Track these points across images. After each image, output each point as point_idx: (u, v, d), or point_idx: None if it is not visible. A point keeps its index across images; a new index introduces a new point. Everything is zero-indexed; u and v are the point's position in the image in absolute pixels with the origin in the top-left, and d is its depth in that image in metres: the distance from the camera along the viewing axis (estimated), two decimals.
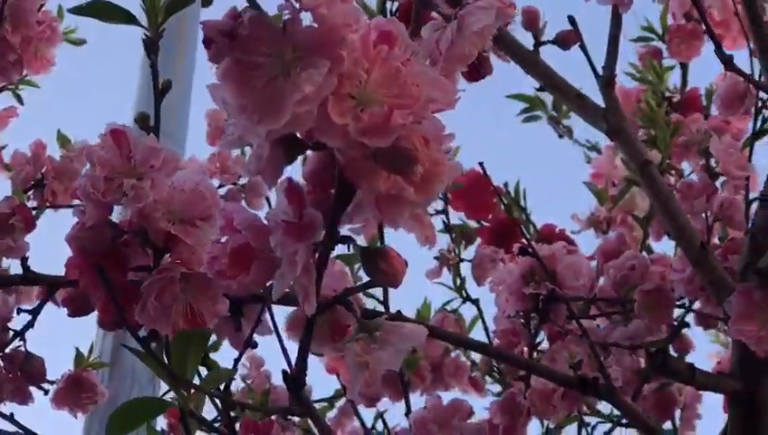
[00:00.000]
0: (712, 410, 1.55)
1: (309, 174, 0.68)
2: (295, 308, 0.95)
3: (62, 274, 0.88)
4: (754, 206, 1.29)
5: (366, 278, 0.70)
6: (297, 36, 0.61)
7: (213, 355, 1.14)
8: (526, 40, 1.26)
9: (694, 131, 1.66)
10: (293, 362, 0.74)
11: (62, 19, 1.66)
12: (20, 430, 1.20)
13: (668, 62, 1.98)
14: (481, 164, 1.28)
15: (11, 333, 1.18)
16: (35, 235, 1.16)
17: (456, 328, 1.64)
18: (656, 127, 1.61)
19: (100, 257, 0.83)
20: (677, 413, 1.55)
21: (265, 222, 0.68)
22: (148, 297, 0.82)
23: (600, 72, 1.25)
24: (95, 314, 0.85)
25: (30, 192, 1.68)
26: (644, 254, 1.46)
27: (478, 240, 1.77)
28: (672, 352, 1.40)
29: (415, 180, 0.63)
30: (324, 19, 0.60)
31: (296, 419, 1.57)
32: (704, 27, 1.80)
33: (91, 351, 1.40)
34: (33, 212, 1.30)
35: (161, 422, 1.58)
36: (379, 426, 1.74)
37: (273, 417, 1.31)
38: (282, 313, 0.97)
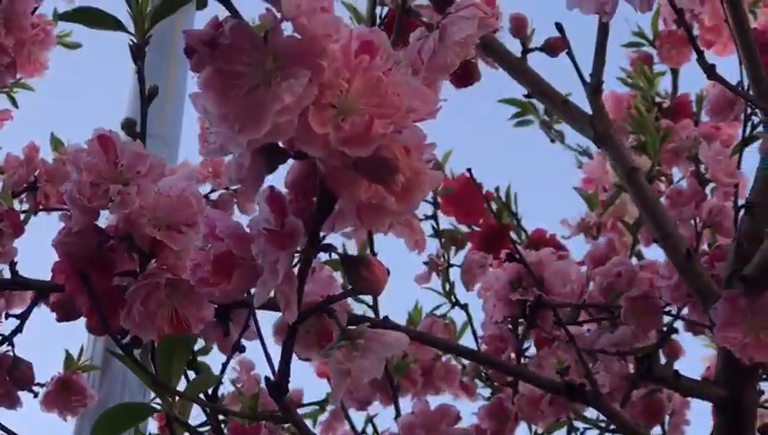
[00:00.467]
0: (701, 416, 1.55)
1: (291, 182, 0.68)
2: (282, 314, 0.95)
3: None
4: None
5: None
6: (278, 46, 0.61)
7: (204, 358, 1.14)
8: (514, 47, 1.27)
9: (683, 138, 1.66)
10: (276, 369, 0.74)
11: (57, 22, 1.66)
12: None
13: (660, 67, 1.99)
14: (469, 171, 1.28)
15: None
16: (28, 237, 1.16)
17: (445, 333, 1.64)
18: (645, 133, 1.62)
19: (86, 262, 0.84)
20: (666, 419, 1.55)
21: (248, 230, 0.69)
22: (134, 303, 0.82)
23: (588, 79, 1.26)
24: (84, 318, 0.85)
25: (23, 195, 1.68)
26: (633, 260, 1.47)
27: (468, 245, 1.77)
28: (661, 358, 1.41)
29: (396, 190, 0.63)
30: (305, 29, 0.61)
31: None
32: (692, 33, 1.82)
33: (81, 353, 1.41)
34: (26, 215, 1.30)
35: (152, 425, 1.58)
36: (369, 430, 1.74)
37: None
38: (271, 318, 0.98)
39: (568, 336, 1.21)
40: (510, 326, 1.31)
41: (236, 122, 0.61)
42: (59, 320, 0.90)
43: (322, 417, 1.91)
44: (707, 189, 1.54)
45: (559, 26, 1.21)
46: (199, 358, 1.13)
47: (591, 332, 1.32)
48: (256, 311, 0.90)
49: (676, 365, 1.35)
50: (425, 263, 1.72)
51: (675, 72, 1.97)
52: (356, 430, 1.77)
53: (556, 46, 1.23)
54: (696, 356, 1.89)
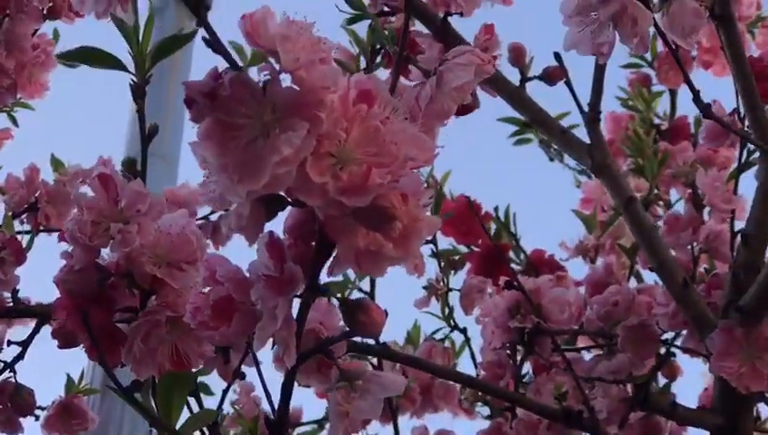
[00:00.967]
0: None
1: (290, 227, 0.69)
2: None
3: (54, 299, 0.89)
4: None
5: None
6: (277, 98, 0.62)
7: (204, 378, 1.15)
8: (513, 75, 1.27)
9: (680, 163, 1.67)
10: (276, 406, 0.75)
11: (58, 41, 1.67)
12: None
13: (659, 86, 2.00)
14: (467, 197, 1.29)
15: (0, 364, 1.19)
16: (29, 257, 1.17)
17: (443, 357, 1.65)
18: (643, 157, 1.63)
19: (86, 300, 0.84)
20: None
21: (247, 275, 0.70)
22: (135, 340, 0.83)
23: (586, 108, 1.27)
24: None
25: (23, 216, 1.68)
26: (630, 285, 1.47)
27: (467, 266, 1.78)
28: (660, 378, 1.42)
29: (394, 236, 0.64)
30: (303, 82, 0.61)
31: None
32: (693, 54, 1.83)
33: (81, 377, 1.41)
34: (28, 239, 1.31)
35: None
36: None
37: None
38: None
39: (566, 363, 1.22)
40: (508, 353, 1.31)
41: (235, 173, 0.61)
42: (60, 347, 0.90)
43: None
44: (705, 211, 1.54)
45: (557, 56, 1.22)
46: (200, 379, 1.14)
47: (590, 358, 1.32)
48: None
49: (676, 383, 1.37)
50: (424, 287, 1.72)
51: (673, 93, 1.98)
52: None
53: (554, 75, 1.23)
54: (695, 372, 1.89)
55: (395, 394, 0.72)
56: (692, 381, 1.79)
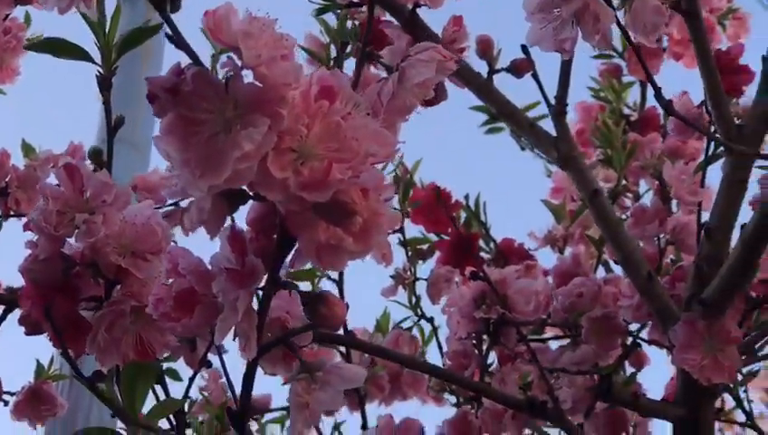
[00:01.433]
0: (663, 429, 1.57)
1: (252, 221, 0.69)
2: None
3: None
4: None
5: None
6: (238, 94, 0.62)
7: (171, 364, 1.15)
8: (482, 67, 1.27)
9: (648, 156, 1.68)
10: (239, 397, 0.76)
11: (29, 25, 1.67)
12: None
13: (630, 77, 2.01)
14: (437, 187, 1.29)
15: None
16: None
17: (410, 346, 1.65)
18: (612, 148, 1.63)
19: (51, 289, 0.85)
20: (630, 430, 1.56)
21: (209, 267, 0.70)
22: (99, 329, 0.83)
23: (553, 101, 1.27)
24: None
25: None
26: (596, 276, 1.48)
27: (436, 255, 1.78)
28: (627, 368, 1.43)
29: (354, 231, 0.65)
30: (265, 78, 0.62)
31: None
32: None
33: (51, 363, 1.41)
34: None
35: None
36: None
37: None
38: None
39: (530, 353, 1.23)
40: (474, 342, 1.32)
41: (197, 168, 0.62)
42: (27, 334, 0.91)
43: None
44: (673, 203, 1.55)
45: (524, 48, 1.22)
46: (168, 365, 1.14)
47: (555, 349, 1.33)
48: None
49: (643, 373, 1.38)
50: (391, 276, 1.72)
51: (643, 84, 1.99)
52: None
53: (522, 67, 1.24)
54: (663, 361, 1.90)
55: (355, 386, 0.72)
56: (660, 370, 1.80)
